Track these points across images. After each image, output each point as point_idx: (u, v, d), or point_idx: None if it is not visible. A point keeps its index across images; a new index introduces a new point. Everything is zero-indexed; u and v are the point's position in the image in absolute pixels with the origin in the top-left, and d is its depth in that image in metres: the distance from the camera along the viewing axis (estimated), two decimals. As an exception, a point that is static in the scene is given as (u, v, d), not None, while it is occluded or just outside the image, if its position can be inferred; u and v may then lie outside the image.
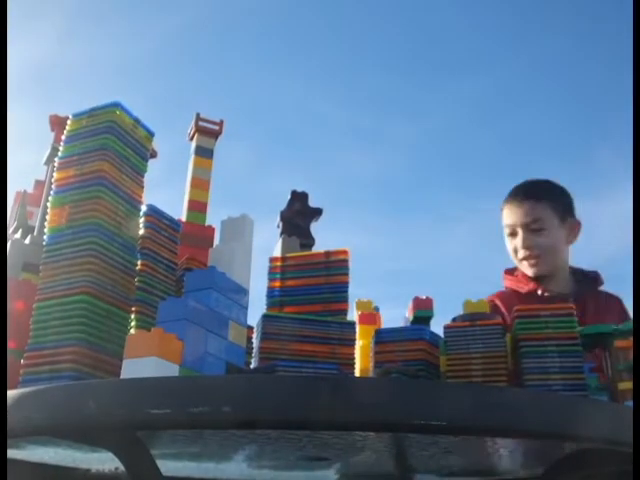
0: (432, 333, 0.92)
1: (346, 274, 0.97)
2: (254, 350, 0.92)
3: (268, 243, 1.12)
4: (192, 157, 1.22)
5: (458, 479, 1.09)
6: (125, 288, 0.80)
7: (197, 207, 1.17)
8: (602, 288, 1.64)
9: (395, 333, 0.92)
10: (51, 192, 0.82)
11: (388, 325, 1.12)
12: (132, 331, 0.81)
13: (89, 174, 0.80)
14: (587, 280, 1.64)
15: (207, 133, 1.23)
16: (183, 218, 1.16)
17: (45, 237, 0.80)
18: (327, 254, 0.99)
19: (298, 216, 1.13)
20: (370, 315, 1.11)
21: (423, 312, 1.05)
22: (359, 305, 1.14)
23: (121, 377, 0.65)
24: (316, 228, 1.15)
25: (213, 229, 1.15)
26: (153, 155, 0.98)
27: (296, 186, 1.16)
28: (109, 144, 0.80)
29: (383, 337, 0.92)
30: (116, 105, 0.83)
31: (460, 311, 0.89)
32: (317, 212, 1.15)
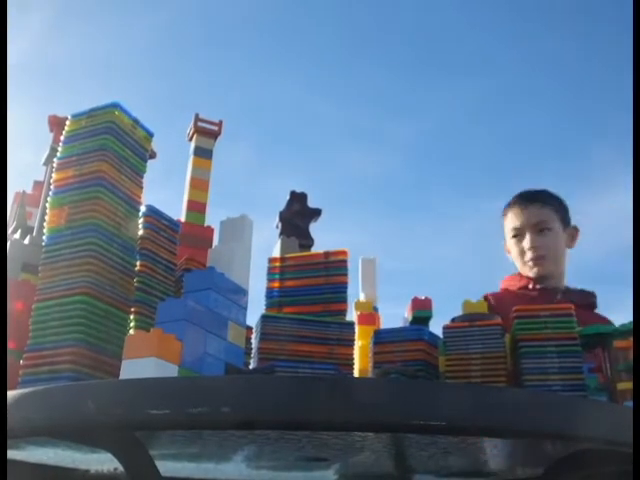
0: (431, 333, 0.92)
1: (345, 274, 0.97)
2: (253, 350, 0.92)
3: (267, 243, 1.12)
4: (191, 157, 1.22)
5: (457, 479, 1.09)
6: (124, 289, 0.80)
7: (196, 207, 1.17)
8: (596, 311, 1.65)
9: (394, 333, 0.92)
10: (50, 193, 0.82)
11: (387, 325, 1.13)
12: (131, 332, 0.81)
13: (88, 175, 0.80)
14: (581, 298, 1.64)
15: (206, 134, 1.23)
16: (182, 219, 1.16)
17: (44, 238, 0.80)
18: (326, 255, 0.99)
19: (297, 217, 1.13)
20: (369, 315, 1.11)
21: (422, 312, 1.05)
22: (358, 306, 1.15)
23: (120, 378, 0.65)
24: (314, 228, 1.15)
25: (212, 230, 1.15)
26: (152, 156, 0.98)
27: (293, 186, 1.16)
28: (108, 145, 0.80)
29: (382, 337, 0.92)
30: (115, 106, 0.83)
31: (459, 311, 0.89)
32: (316, 213, 1.15)
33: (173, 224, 0.94)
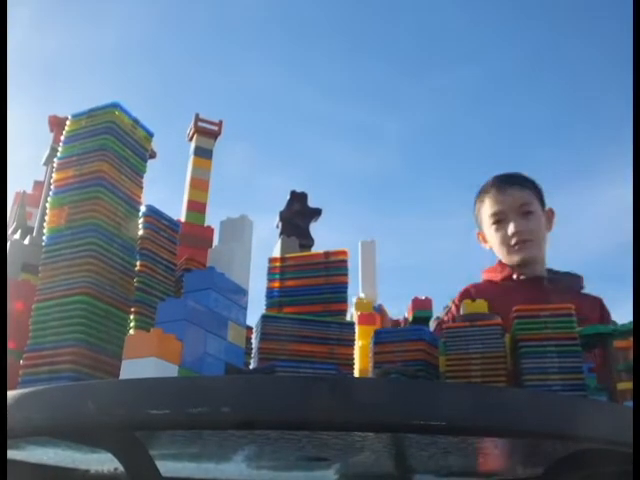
0: (431, 333, 0.92)
1: (345, 274, 0.97)
2: (253, 350, 0.92)
3: (267, 243, 1.12)
4: (191, 157, 1.22)
5: (457, 479, 1.09)
6: (124, 289, 0.80)
7: (196, 207, 1.17)
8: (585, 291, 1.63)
9: (394, 333, 0.92)
10: (50, 193, 0.82)
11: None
12: (131, 332, 0.81)
13: (88, 175, 0.80)
14: (568, 281, 1.62)
15: (206, 133, 1.23)
16: (182, 218, 1.16)
17: (44, 238, 0.80)
18: (326, 254, 0.99)
19: (297, 216, 1.14)
20: (369, 315, 1.11)
21: (422, 312, 1.05)
22: (358, 305, 1.15)
23: (120, 378, 0.65)
24: (313, 227, 1.15)
25: (212, 230, 1.15)
26: (152, 155, 0.98)
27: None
28: (108, 145, 0.80)
29: (382, 337, 0.92)
30: (115, 106, 0.83)
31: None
32: (316, 212, 1.15)
33: (173, 224, 0.94)
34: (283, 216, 1.14)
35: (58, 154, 0.84)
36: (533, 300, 0.90)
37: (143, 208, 0.88)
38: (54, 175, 0.83)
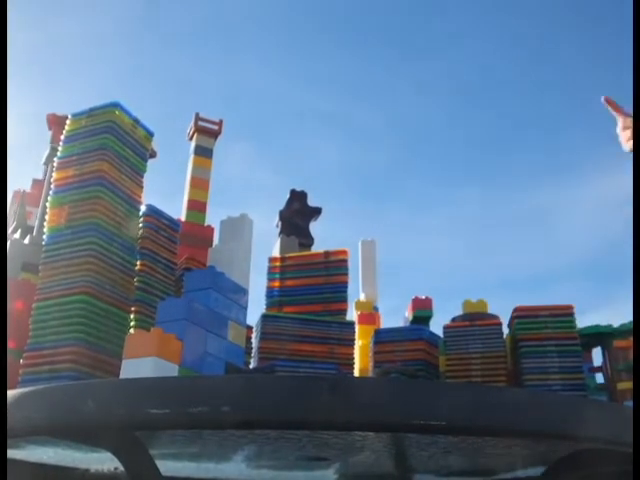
0: (431, 333, 0.92)
1: (345, 274, 0.97)
2: (253, 350, 0.92)
3: (267, 243, 1.12)
4: (191, 157, 1.22)
5: (457, 479, 1.09)
6: (124, 288, 0.80)
7: (196, 207, 1.17)
8: None
9: (394, 333, 0.92)
10: (50, 192, 0.82)
11: (387, 317, 1.13)
12: (131, 331, 0.81)
13: (88, 174, 0.80)
14: None
15: (207, 132, 1.23)
16: (182, 218, 1.16)
17: (44, 237, 0.80)
18: (326, 254, 0.99)
19: (297, 215, 1.14)
20: (369, 315, 1.11)
21: (422, 312, 1.05)
22: (358, 305, 1.15)
23: (120, 377, 0.65)
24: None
25: (212, 229, 1.14)
26: (152, 155, 0.98)
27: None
28: (108, 144, 0.80)
29: (382, 337, 0.92)
30: (115, 105, 0.83)
31: (459, 311, 0.89)
32: (316, 211, 1.15)
33: (173, 223, 0.94)
34: (283, 215, 1.14)
35: (58, 153, 0.84)
36: None
37: (143, 207, 0.88)
38: (54, 174, 0.83)
